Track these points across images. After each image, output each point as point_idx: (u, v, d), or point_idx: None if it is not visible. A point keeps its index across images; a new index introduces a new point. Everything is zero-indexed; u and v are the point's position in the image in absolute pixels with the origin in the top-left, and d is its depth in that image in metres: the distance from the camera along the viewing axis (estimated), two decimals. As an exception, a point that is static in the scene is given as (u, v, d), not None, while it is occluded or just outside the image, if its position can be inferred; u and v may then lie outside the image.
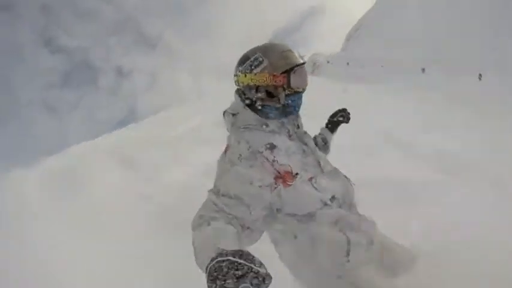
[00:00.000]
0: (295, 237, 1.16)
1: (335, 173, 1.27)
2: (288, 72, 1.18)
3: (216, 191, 1.09)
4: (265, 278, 0.69)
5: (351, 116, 1.62)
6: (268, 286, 0.69)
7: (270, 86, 1.20)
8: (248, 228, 1.07)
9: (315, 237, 1.13)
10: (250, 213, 1.06)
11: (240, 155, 1.12)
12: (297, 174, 1.11)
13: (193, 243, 0.98)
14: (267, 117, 1.21)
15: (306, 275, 1.25)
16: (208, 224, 0.97)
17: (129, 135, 7.54)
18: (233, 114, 1.25)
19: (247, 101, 1.23)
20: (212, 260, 0.72)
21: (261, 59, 1.21)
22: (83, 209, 3.22)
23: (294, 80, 1.19)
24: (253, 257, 0.71)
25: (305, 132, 1.30)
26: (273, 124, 1.21)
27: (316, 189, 1.13)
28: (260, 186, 1.07)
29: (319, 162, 1.22)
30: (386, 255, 1.29)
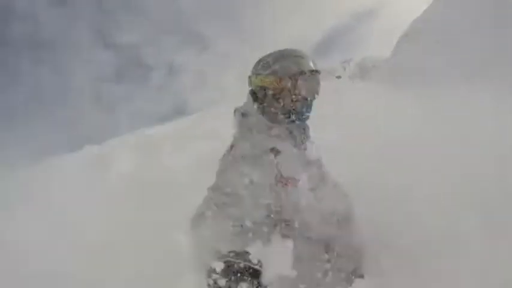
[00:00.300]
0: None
1: (336, 188, 1.26)
2: (295, 76, 1.18)
3: (216, 189, 1.10)
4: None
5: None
6: (267, 286, 0.72)
7: (276, 89, 1.21)
8: (249, 228, 1.07)
9: (299, 251, 1.04)
10: (250, 213, 1.06)
11: (243, 154, 1.13)
12: (298, 180, 1.11)
13: (193, 245, 1.01)
14: (274, 122, 1.21)
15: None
16: (207, 225, 0.99)
17: (177, 127, 8.06)
18: (243, 114, 1.25)
19: (257, 103, 1.24)
20: (212, 260, 0.75)
21: (272, 62, 1.22)
22: (109, 182, 3.78)
23: (301, 86, 1.19)
24: (250, 256, 0.75)
25: (308, 142, 1.29)
26: (280, 129, 1.21)
27: (316, 200, 1.13)
28: (260, 186, 1.07)
29: (323, 175, 1.22)
30: None
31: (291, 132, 1.22)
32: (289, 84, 1.18)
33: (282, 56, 1.22)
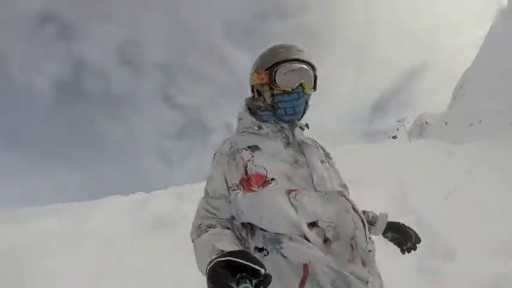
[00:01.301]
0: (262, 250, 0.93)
1: (334, 196, 1.00)
2: (272, 68, 1.10)
3: (206, 194, 1.06)
4: (265, 278, 0.68)
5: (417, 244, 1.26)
6: (267, 286, 0.68)
7: (257, 85, 1.15)
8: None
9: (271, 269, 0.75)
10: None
11: (222, 152, 1.09)
12: (272, 179, 0.98)
13: (195, 253, 0.95)
14: (263, 120, 1.14)
15: None
16: (206, 231, 0.95)
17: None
18: (239, 119, 1.20)
19: (248, 104, 1.19)
20: (212, 260, 0.71)
21: (257, 59, 1.18)
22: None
23: (279, 77, 1.09)
24: (253, 257, 0.69)
25: (304, 142, 1.13)
26: (269, 128, 1.12)
27: (292, 204, 0.93)
28: (229, 187, 1.02)
29: (311, 176, 1.01)
30: None
31: (281, 130, 1.13)
32: (266, 77, 1.11)
33: (266, 50, 1.17)
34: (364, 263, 0.93)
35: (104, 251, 4.11)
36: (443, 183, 5.90)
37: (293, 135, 1.13)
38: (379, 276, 0.99)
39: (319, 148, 1.20)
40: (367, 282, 0.89)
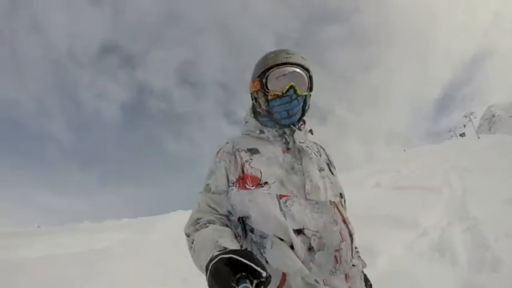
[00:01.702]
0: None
1: (325, 206, 1.00)
2: (262, 75, 1.13)
3: (207, 189, 1.07)
4: (265, 278, 0.67)
5: None
6: (267, 286, 0.67)
7: (254, 93, 1.18)
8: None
9: None
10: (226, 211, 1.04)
11: (225, 150, 1.12)
12: (265, 183, 0.99)
13: (190, 248, 0.94)
14: (265, 126, 1.16)
15: None
16: (207, 227, 0.94)
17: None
18: (245, 122, 1.23)
19: (253, 108, 1.22)
20: (214, 257, 0.70)
21: (253, 69, 1.20)
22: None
23: (270, 82, 1.11)
24: (256, 258, 0.69)
25: (304, 149, 1.12)
26: (270, 132, 1.14)
27: (280, 209, 0.95)
28: (229, 185, 1.05)
29: (304, 185, 1.02)
30: None
31: (282, 135, 1.14)
32: (259, 85, 1.14)
33: (260, 58, 1.19)
34: (346, 277, 0.94)
35: (165, 257, 4.51)
36: (507, 187, 5.41)
37: (294, 140, 1.13)
38: None
39: (321, 155, 1.19)
40: None
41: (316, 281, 0.89)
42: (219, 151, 1.14)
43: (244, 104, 1.31)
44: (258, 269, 0.67)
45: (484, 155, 12.75)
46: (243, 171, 1.03)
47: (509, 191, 4.99)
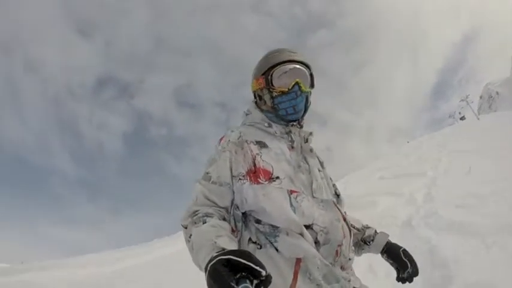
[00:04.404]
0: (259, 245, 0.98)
1: (329, 204, 1.05)
2: (267, 72, 1.15)
3: (207, 178, 1.04)
4: (265, 277, 0.67)
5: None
6: (268, 286, 0.67)
7: (257, 90, 1.19)
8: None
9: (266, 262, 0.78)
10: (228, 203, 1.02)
11: (230, 140, 1.09)
12: (277, 178, 1.01)
13: (187, 241, 0.94)
14: (273, 121, 1.16)
15: None
16: (204, 222, 0.92)
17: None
18: (246, 114, 1.23)
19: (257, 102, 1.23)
20: (212, 258, 0.70)
21: (254, 68, 1.22)
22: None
23: (276, 79, 1.13)
24: (254, 257, 0.68)
25: (311, 150, 1.17)
26: (277, 128, 1.14)
27: (291, 205, 0.97)
28: (234, 176, 1.03)
29: (311, 183, 1.06)
30: None
31: (288, 133, 1.15)
32: (263, 82, 1.15)
33: (261, 58, 1.22)
34: (342, 268, 1.00)
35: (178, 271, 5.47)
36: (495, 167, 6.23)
37: (306, 140, 1.16)
38: (358, 278, 1.06)
39: (317, 157, 1.22)
40: (349, 280, 0.98)
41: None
42: (222, 139, 1.14)
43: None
44: (258, 268, 0.67)
45: (479, 136, 12.86)
46: (254, 164, 1.03)
47: (491, 171, 5.77)
